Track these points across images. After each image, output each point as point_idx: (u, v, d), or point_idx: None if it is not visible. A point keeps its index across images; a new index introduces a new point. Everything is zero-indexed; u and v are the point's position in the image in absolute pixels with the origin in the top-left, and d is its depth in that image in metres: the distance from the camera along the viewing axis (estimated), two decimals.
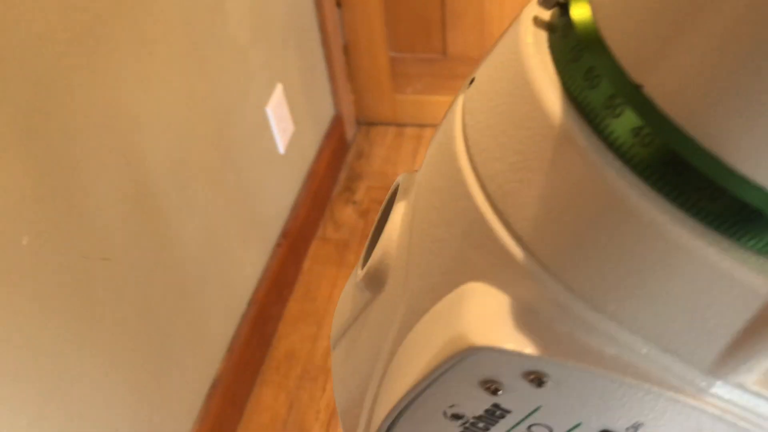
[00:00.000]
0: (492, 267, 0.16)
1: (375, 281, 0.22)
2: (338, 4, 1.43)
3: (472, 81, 0.18)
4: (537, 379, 0.16)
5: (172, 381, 0.99)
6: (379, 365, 0.21)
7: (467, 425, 0.19)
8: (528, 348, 0.16)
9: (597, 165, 0.14)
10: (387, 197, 0.22)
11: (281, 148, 1.28)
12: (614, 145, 0.13)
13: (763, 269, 0.13)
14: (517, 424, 0.18)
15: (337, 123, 1.56)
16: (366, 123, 1.71)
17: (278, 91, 1.23)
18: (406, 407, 0.19)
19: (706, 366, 0.15)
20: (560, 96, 0.14)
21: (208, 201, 1.02)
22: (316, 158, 1.46)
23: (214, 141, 1.02)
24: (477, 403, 0.18)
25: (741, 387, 0.15)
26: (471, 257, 0.17)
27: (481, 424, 0.19)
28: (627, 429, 0.17)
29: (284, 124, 1.27)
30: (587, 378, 0.16)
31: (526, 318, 0.16)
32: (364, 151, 1.67)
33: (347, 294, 0.25)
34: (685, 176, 0.13)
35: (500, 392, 0.17)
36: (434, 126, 1.69)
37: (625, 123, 0.13)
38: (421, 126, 1.69)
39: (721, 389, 0.15)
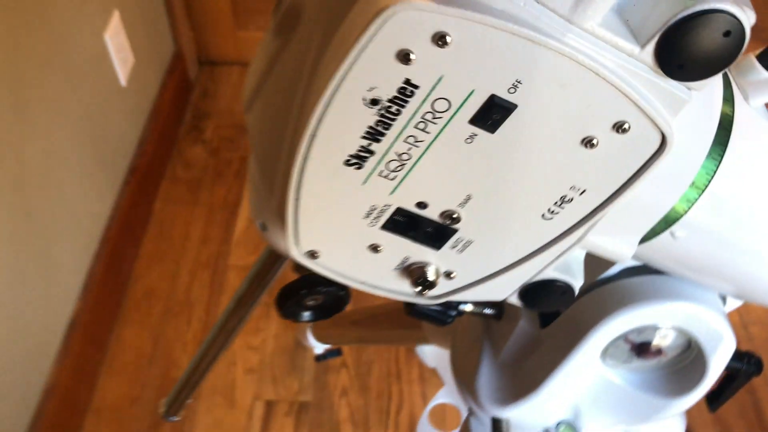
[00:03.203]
0: None
1: (288, 23, 0.25)
2: None
3: None
4: (442, 39, 0.20)
5: (26, 319, 0.94)
6: (300, 91, 0.24)
7: (383, 111, 0.23)
8: (437, 3, 0.20)
9: None
10: None
11: (122, 79, 1.22)
12: None
13: None
14: (424, 100, 0.22)
15: (178, 60, 1.51)
16: (209, 62, 1.67)
17: (116, 18, 1.17)
18: (332, 98, 0.22)
19: (566, 10, 0.20)
20: None
21: (49, 128, 0.97)
22: (159, 94, 1.42)
23: (50, 64, 0.96)
24: (392, 80, 0.22)
25: (590, 34, 0.21)
26: None
27: (393, 108, 0.22)
28: (509, 90, 0.22)
29: (124, 54, 1.22)
30: (481, 33, 0.20)
31: None
32: (209, 90, 1.64)
33: (259, 55, 0.27)
34: None
35: (412, 59, 0.21)
36: None
37: None
38: None
39: (574, 35, 0.21)
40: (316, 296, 0.33)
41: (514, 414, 0.41)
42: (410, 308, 0.37)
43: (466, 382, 0.43)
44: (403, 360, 1.18)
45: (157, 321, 1.23)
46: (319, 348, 1.12)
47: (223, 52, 1.64)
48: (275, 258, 0.37)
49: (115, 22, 1.17)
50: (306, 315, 0.34)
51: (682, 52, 0.20)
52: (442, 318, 0.39)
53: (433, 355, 0.70)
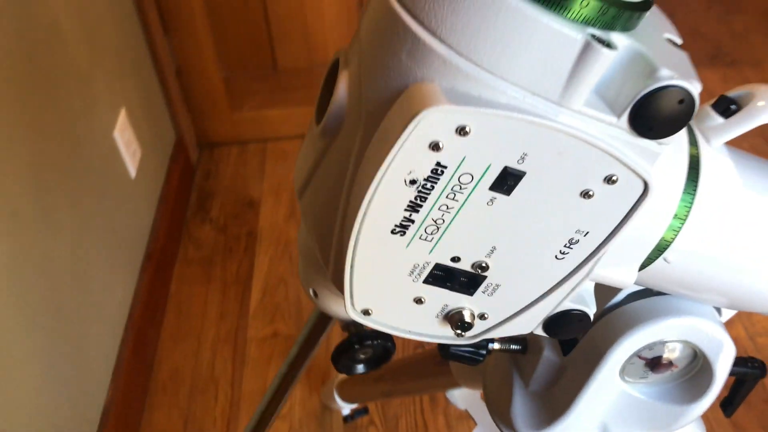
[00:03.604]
0: (420, 64, 0.26)
1: (332, 128, 0.30)
2: (165, 30, 1.47)
3: None
4: (463, 131, 0.26)
5: (62, 411, 0.97)
6: (347, 179, 0.30)
7: (420, 188, 0.28)
8: (457, 105, 0.25)
9: None
10: (327, 71, 0.31)
11: (132, 172, 1.29)
12: None
13: (577, 28, 0.24)
14: (452, 176, 0.28)
15: (180, 146, 1.59)
16: (208, 144, 1.75)
17: (122, 115, 1.25)
18: (379, 183, 0.28)
19: (556, 97, 0.26)
20: None
21: (72, 226, 1.02)
22: (165, 181, 1.48)
23: (69, 168, 1.02)
24: (426, 164, 0.27)
25: (577, 112, 0.27)
26: (406, 64, 0.26)
27: (428, 185, 0.28)
28: (518, 161, 0.28)
29: (132, 148, 1.29)
30: (492, 123, 0.26)
31: (450, 91, 0.26)
32: (211, 171, 1.71)
33: (306, 150, 0.33)
34: None
35: (441, 147, 0.27)
36: (276, 139, 1.78)
37: None
38: (263, 141, 1.76)
39: (565, 115, 0.26)
40: (366, 349, 0.38)
41: None
42: (446, 351, 0.42)
43: (501, 413, 0.47)
44: (428, 410, 1.21)
45: (185, 400, 1.26)
46: (347, 408, 1.15)
47: (220, 134, 1.72)
48: (323, 320, 0.42)
49: (122, 119, 1.25)
50: (359, 367, 0.39)
51: (649, 119, 0.26)
52: (474, 357, 0.44)
53: (463, 397, 0.74)
